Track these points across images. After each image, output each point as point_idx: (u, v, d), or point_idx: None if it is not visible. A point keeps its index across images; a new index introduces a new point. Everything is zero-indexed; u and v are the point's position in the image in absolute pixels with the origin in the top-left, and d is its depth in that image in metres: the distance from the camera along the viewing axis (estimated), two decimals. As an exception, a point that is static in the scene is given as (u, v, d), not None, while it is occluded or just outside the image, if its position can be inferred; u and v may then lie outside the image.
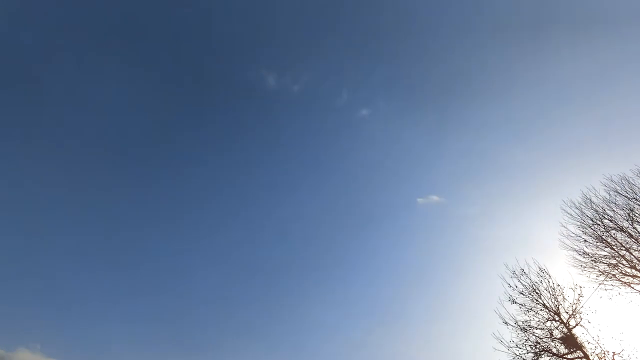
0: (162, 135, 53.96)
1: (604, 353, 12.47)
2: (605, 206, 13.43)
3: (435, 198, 53.30)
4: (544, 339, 13.48)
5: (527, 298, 14.17)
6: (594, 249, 13.68)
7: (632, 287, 13.12)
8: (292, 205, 56.42)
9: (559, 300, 13.68)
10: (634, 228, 12.74)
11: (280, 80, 52.08)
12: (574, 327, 13.24)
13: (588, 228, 13.75)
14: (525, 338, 13.64)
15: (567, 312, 13.47)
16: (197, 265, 50.65)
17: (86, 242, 47.12)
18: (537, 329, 13.71)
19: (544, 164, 46.53)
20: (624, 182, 13.26)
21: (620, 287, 13.31)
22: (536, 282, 14.21)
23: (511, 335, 13.89)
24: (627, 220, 12.85)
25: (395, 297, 50.18)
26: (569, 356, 13.09)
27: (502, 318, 14.22)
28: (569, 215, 14.27)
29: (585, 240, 13.79)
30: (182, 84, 52.76)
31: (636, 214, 12.73)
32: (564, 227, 14.44)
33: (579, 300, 13.41)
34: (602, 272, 13.56)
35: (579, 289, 13.55)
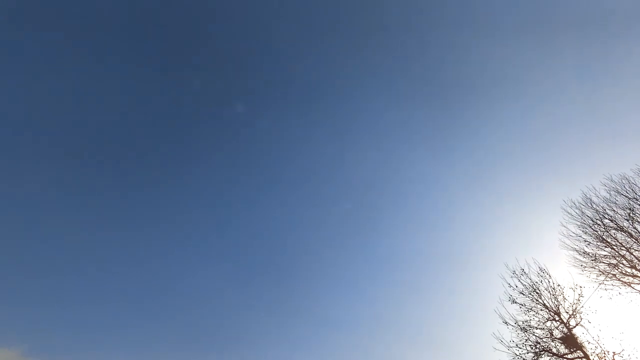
0: (161, 135, 53.88)
1: (604, 353, 12.47)
2: (606, 206, 13.44)
3: (440, 196, 53.28)
4: (544, 339, 13.47)
5: (527, 298, 14.17)
6: (594, 248, 13.69)
7: (632, 287, 13.13)
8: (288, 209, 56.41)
9: (559, 300, 13.69)
10: (634, 228, 12.74)
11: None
12: (574, 327, 13.24)
13: (588, 228, 13.76)
14: (525, 338, 13.64)
15: (567, 312, 13.47)
16: (194, 267, 50.68)
17: (80, 241, 47.00)
18: (537, 328, 13.71)
19: (545, 163, 46.57)
20: (624, 182, 13.27)
21: (620, 287, 13.33)
22: (536, 282, 14.21)
23: (511, 335, 13.89)
24: (628, 220, 12.86)
25: (393, 297, 50.22)
26: (569, 356, 13.08)
27: (502, 318, 14.22)
28: (569, 215, 14.29)
29: (586, 240, 13.80)
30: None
31: (636, 214, 12.73)
32: (564, 226, 14.46)
33: (579, 300, 13.41)
34: (602, 272, 13.56)
35: (579, 288, 13.56)
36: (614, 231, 13.15)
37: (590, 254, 13.76)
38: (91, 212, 48.44)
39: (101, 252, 46.97)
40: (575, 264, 14.17)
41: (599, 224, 13.44)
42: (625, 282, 13.23)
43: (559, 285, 13.91)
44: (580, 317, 13.24)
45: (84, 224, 47.42)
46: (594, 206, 13.69)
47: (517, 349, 13.55)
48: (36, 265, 42.65)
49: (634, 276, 12.98)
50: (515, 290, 14.41)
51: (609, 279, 13.44)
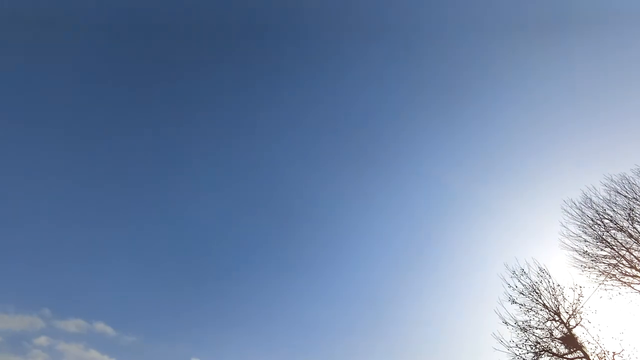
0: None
1: (604, 353, 12.45)
2: (606, 206, 13.44)
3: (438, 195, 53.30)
4: (544, 339, 13.46)
5: (527, 298, 14.15)
6: (594, 248, 13.69)
7: (632, 287, 13.12)
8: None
9: (559, 300, 13.66)
10: (634, 228, 12.73)
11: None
12: (574, 327, 13.22)
13: (588, 228, 13.75)
14: (525, 338, 13.62)
15: (567, 312, 13.45)
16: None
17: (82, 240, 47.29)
18: (537, 329, 13.69)
19: (545, 163, 46.57)
20: (624, 182, 13.27)
21: (620, 287, 13.33)
22: (536, 282, 14.19)
23: (511, 335, 13.87)
24: (627, 220, 12.85)
25: (393, 297, 50.23)
26: (569, 356, 13.07)
27: (502, 318, 14.20)
28: (569, 215, 14.28)
29: (586, 240, 13.78)
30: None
31: (636, 214, 12.72)
32: (564, 227, 14.44)
33: (579, 300, 13.38)
34: (602, 272, 13.55)
35: (579, 288, 13.53)
36: (613, 231, 13.14)
37: (590, 254, 13.75)
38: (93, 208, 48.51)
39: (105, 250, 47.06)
40: (575, 264, 14.18)
41: (598, 224, 13.44)
42: (625, 282, 13.22)
43: (558, 285, 13.89)
44: (580, 317, 13.22)
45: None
46: (594, 206, 13.70)
47: (517, 349, 13.53)
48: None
49: (634, 276, 12.97)
50: (515, 291, 14.40)
51: (608, 279, 13.43)
